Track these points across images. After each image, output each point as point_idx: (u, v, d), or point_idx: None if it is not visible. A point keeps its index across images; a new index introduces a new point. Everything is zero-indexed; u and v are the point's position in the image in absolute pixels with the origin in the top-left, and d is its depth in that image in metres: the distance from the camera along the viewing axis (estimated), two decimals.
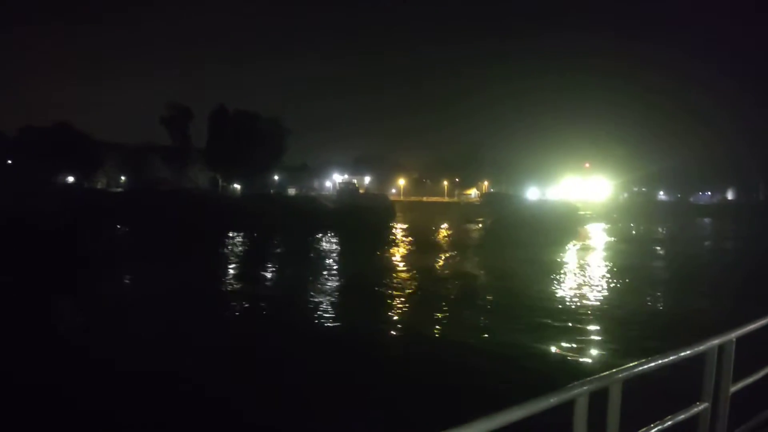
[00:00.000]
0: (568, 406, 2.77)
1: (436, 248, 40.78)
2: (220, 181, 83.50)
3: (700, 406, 3.86)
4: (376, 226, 52.29)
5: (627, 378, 3.16)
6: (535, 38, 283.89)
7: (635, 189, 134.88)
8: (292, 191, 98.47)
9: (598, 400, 2.94)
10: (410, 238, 49.74)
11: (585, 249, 42.30)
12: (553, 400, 2.70)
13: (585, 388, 2.87)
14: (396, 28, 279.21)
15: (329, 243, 44.54)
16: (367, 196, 78.36)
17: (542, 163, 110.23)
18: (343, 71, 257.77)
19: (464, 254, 37.61)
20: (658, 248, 44.08)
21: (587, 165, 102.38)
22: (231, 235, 46.28)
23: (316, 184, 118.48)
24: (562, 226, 61.56)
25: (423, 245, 43.11)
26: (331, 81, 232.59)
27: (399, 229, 60.85)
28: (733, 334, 4.08)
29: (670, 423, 3.54)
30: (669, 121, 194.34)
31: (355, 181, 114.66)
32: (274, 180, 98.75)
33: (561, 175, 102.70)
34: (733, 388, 4.18)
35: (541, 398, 2.63)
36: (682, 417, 3.70)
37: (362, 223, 52.39)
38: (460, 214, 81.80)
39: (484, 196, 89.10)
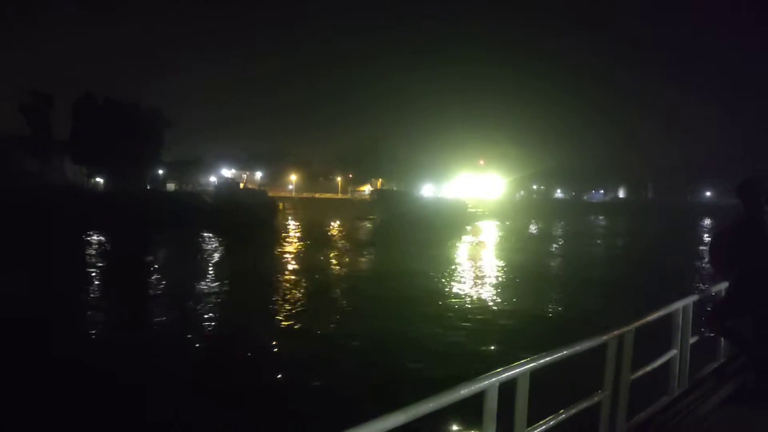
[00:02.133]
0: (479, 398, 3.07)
1: (315, 247, 40.47)
2: (86, 175, 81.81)
3: (602, 395, 4.25)
4: (254, 224, 53.11)
5: (534, 369, 3.46)
6: (433, 31, 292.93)
7: (534, 187, 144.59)
8: (171, 186, 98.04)
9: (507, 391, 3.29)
10: (291, 237, 49.78)
11: (474, 247, 43.90)
12: (464, 391, 2.93)
13: (494, 379, 3.13)
14: (293, 24, 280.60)
15: (191, 243, 42.76)
16: (247, 192, 79.18)
17: (438, 160, 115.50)
18: (242, 69, 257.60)
19: (345, 254, 37.81)
20: (549, 246, 45.86)
21: (482, 162, 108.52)
22: (87, 236, 43.98)
23: (203, 180, 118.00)
24: (452, 224, 65.20)
25: (301, 245, 43.32)
26: (229, 79, 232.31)
27: (284, 227, 60.87)
28: (633, 325, 4.57)
29: (573, 411, 3.90)
30: (563, 121, 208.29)
31: (245, 176, 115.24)
32: (158, 174, 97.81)
33: (456, 172, 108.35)
34: (633, 377, 4.67)
35: (452, 390, 2.86)
36: (585, 405, 4.07)
37: (239, 220, 51.89)
38: (352, 211, 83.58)
39: (375, 194, 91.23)
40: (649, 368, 5.01)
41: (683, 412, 5.08)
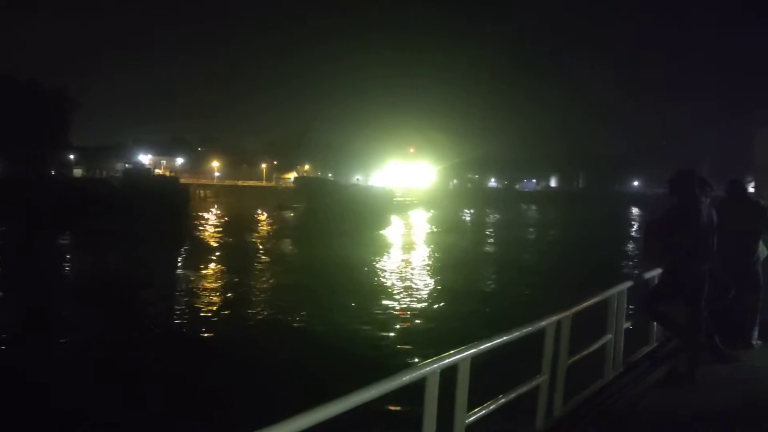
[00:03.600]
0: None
1: (224, 238, 39.86)
2: None
3: (540, 379, 4.48)
4: (162, 212, 51.77)
5: (475, 355, 3.58)
6: (361, 18, 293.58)
7: (469, 176, 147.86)
8: (78, 173, 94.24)
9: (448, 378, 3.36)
10: (202, 227, 48.86)
11: (399, 238, 44.45)
12: (405, 378, 3.00)
13: (435, 366, 3.22)
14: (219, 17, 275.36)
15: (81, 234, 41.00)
16: (158, 179, 76.79)
17: (368, 148, 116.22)
18: (171, 56, 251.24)
19: (260, 245, 37.30)
20: (479, 235, 46.79)
21: (412, 150, 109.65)
22: None
23: (118, 166, 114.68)
24: (379, 213, 65.92)
25: (209, 235, 42.49)
26: (155, 64, 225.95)
27: (199, 216, 59.74)
28: (570, 311, 4.83)
29: (513, 395, 4.10)
30: (495, 109, 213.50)
31: (164, 162, 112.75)
32: (69, 159, 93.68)
33: (386, 161, 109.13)
34: (570, 361, 4.91)
35: (393, 378, 2.92)
36: (524, 389, 4.28)
37: (145, 208, 51.02)
38: (275, 199, 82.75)
39: (297, 181, 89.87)
40: (585, 353, 5.26)
41: (616, 395, 5.39)
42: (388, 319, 17.53)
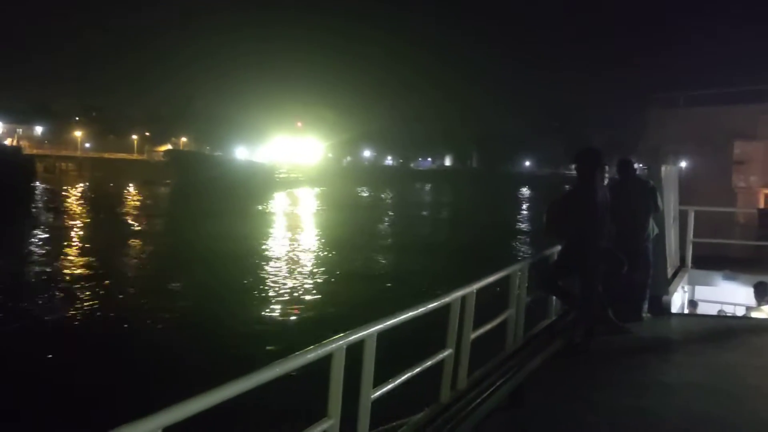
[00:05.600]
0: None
1: (65, 221, 36.95)
2: None
3: (445, 353, 4.70)
4: None
5: (381, 331, 3.72)
6: None
7: (366, 153, 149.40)
8: None
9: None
10: (44, 207, 45.49)
11: (273, 218, 44.09)
12: (310, 355, 3.11)
13: (341, 342, 3.35)
14: None
15: None
16: None
17: (252, 121, 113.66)
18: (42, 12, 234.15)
19: (112, 226, 35.13)
20: (362, 215, 46.76)
21: (299, 124, 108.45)
22: None
23: None
24: (262, 190, 65.09)
25: (47, 218, 38.82)
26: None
27: (47, 193, 56.54)
28: (474, 286, 5.07)
29: (418, 369, 4.28)
30: (387, 86, 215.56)
31: (19, 130, 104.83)
32: None
33: (272, 135, 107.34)
34: (473, 335, 5.19)
35: (298, 354, 3.02)
36: (429, 363, 4.47)
37: None
38: (145, 174, 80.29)
39: (167, 155, 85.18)
40: (488, 327, 5.63)
41: (516, 367, 5.82)
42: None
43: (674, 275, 9.81)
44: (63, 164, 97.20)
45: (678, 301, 9.99)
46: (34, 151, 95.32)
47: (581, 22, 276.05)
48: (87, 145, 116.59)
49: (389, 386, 3.96)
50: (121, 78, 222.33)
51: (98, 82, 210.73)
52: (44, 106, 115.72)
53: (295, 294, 19.84)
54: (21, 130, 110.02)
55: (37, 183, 66.17)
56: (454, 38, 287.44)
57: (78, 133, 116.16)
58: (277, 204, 56.58)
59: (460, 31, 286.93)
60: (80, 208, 45.92)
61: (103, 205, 46.89)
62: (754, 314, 9.54)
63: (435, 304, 4.53)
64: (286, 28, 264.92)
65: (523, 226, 43.06)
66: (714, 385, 5.94)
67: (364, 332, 3.62)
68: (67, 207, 46.34)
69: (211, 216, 38.90)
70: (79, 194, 57.52)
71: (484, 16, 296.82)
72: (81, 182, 73.79)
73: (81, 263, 23.97)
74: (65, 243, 28.84)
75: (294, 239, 33.09)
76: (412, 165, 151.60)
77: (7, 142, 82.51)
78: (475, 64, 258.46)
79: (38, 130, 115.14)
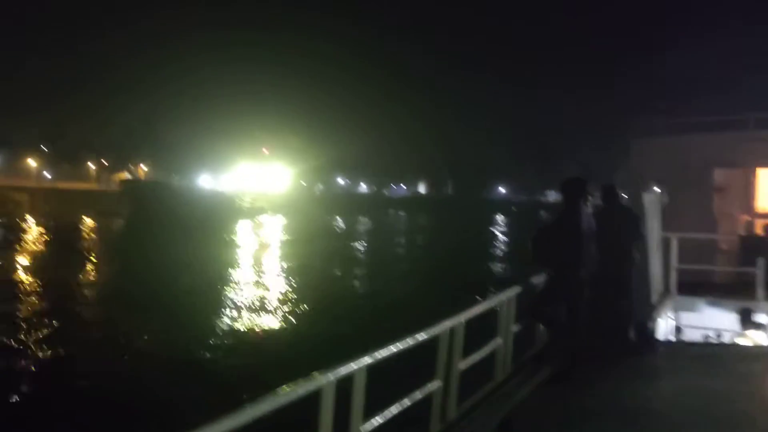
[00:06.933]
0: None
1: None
2: None
3: (434, 384, 4.83)
4: None
5: (371, 365, 3.79)
6: (215, 11, 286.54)
7: (340, 180, 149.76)
8: None
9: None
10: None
11: (234, 250, 43.11)
12: (300, 391, 3.14)
13: (331, 377, 3.40)
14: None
15: None
16: None
17: (217, 148, 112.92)
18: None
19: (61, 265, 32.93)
20: (331, 246, 46.53)
21: (265, 151, 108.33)
22: None
23: None
24: (223, 222, 64.31)
25: None
26: None
27: None
28: (463, 317, 5.23)
29: (408, 403, 4.37)
30: (357, 112, 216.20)
31: None
32: None
33: (237, 162, 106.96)
34: (462, 366, 5.36)
35: (287, 391, 3.06)
36: (419, 396, 4.58)
37: None
38: (99, 205, 78.68)
39: (123, 185, 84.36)
40: (477, 357, 5.87)
41: (504, 397, 6.08)
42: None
43: (659, 302, 10.13)
44: (15, 195, 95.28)
45: (663, 327, 10.29)
46: None
47: (556, 46, 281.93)
48: (47, 174, 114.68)
49: (380, 419, 4.10)
50: (78, 105, 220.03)
51: (54, 110, 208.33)
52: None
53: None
54: None
55: None
56: (427, 62, 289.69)
57: (32, 163, 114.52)
58: (242, 235, 56.09)
59: (433, 55, 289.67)
60: (24, 244, 43.36)
61: (53, 240, 45.28)
62: (739, 340, 9.87)
63: (424, 336, 4.64)
64: (251, 52, 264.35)
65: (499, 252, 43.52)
66: (703, 412, 6.16)
67: (354, 367, 3.68)
68: (11, 243, 42.99)
69: (168, 248, 38.41)
70: (25, 228, 55.04)
71: (459, 40, 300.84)
72: (33, 215, 72.10)
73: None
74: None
75: (249, 272, 32.61)
76: (385, 192, 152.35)
77: None
78: (450, 88, 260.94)
79: None
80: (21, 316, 21.20)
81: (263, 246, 47.05)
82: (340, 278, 29.69)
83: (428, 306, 19.13)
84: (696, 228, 13.44)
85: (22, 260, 34.92)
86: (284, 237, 54.98)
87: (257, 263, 36.68)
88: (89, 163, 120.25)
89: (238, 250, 43.55)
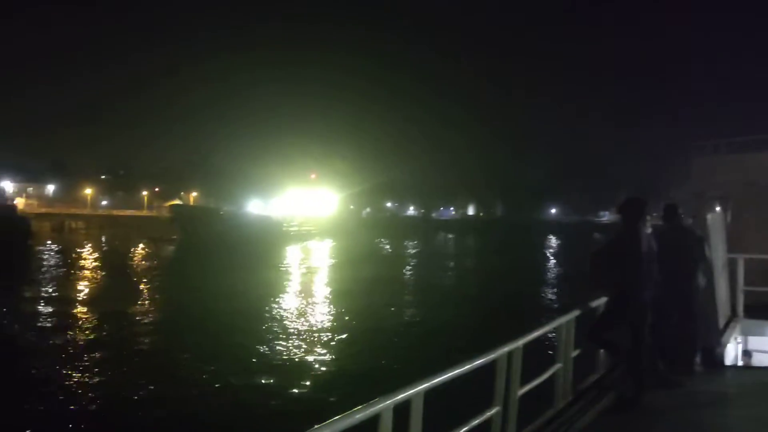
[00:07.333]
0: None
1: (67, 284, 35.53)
2: None
3: (492, 410, 4.80)
4: None
5: (428, 390, 3.79)
6: (265, 34, 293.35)
7: (388, 204, 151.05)
8: None
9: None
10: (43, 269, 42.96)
11: (289, 278, 42.56)
12: (358, 416, 3.16)
13: (388, 402, 3.42)
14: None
15: None
16: None
17: (266, 174, 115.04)
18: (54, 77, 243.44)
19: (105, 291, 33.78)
20: (378, 269, 45.71)
21: (313, 176, 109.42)
22: None
23: None
24: (272, 246, 65.24)
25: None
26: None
27: (39, 254, 54.01)
28: (521, 342, 5.22)
29: (465, 429, 4.32)
30: (406, 135, 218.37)
31: (30, 189, 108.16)
32: None
33: (285, 187, 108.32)
34: (521, 391, 5.32)
35: (346, 415, 3.07)
36: (476, 422, 4.52)
37: None
38: (152, 231, 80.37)
39: (171, 210, 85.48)
40: (536, 382, 5.75)
41: (566, 424, 5.91)
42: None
43: (726, 326, 9.82)
44: (72, 223, 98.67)
45: (731, 352, 9.95)
46: (43, 210, 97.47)
47: (607, 69, 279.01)
48: (104, 202, 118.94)
49: None
50: (134, 135, 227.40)
51: (111, 139, 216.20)
52: (58, 163, 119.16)
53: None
54: (32, 188, 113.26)
55: (48, 242, 67.11)
56: (476, 85, 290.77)
57: (88, 191, 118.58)
58: (292, 258, 56.47)
59: (485, 79, 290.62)
60: (79, 271, 43.60)
61: (107, 266, 46.45)
62: None
63: (481, 360, 4.61)
64: (301, 82, 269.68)
65: (550, 277, 42.86)
66: None
67: (411, 391, 3.67)
68: (64, 270, 43.78)
69: (217, 273, 39.02)
70: (81, 254, 56.35)
71: (511, 65, 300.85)
72: (88, 241, 74.35)
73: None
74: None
75: (297, 298, 32.43)
76: (433, 215, 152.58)
77: (18, 201, 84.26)
78: (499, 111, 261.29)
79: (50, 188, 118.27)
80: (77, 345, 21.22)
81: (311, 270, 47.06)
82: (387, 305, 29.36)
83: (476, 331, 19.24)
84: (762, 248, 13.00)
85: (81, 287, 35.49)
86: (331, 261, 54.95)
87: (306, 289, 36.52)
88: (143, 192, 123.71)
89: (286, 275, 43.59)
